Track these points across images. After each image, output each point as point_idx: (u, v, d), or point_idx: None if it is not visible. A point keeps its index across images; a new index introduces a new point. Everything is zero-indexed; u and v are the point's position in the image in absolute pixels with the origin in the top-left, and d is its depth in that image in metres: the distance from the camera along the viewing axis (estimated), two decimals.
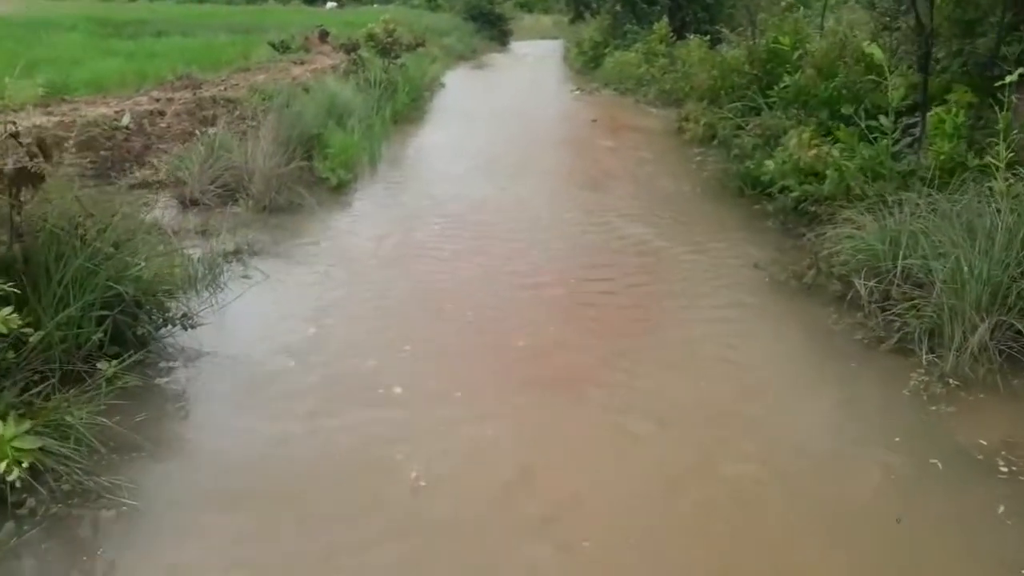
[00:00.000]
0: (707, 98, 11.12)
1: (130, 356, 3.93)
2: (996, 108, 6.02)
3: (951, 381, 4.02)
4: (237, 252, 6.01)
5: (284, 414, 3.89)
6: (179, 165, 7.67)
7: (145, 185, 7.63)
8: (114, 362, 3.82)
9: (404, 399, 4.06)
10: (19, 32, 19.73)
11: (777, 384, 4.27)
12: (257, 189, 7.24)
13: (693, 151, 9.96)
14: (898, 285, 4.69)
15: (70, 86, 10.83)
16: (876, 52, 6.11)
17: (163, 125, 9.31)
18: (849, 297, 5.02)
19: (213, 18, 30.65)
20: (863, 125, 6.17)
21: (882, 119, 6.01)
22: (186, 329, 4.43)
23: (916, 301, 4.49)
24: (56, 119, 8.26)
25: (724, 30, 14.70)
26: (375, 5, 42.55)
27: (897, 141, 6.03)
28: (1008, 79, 4.85)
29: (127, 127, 8.72)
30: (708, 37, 13.95)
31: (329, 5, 41.40)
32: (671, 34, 16.39)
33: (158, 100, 10.24)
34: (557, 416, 3.94)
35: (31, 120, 8.15)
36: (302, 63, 16.19)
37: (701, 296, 5.54)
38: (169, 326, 4.43)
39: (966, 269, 4.22)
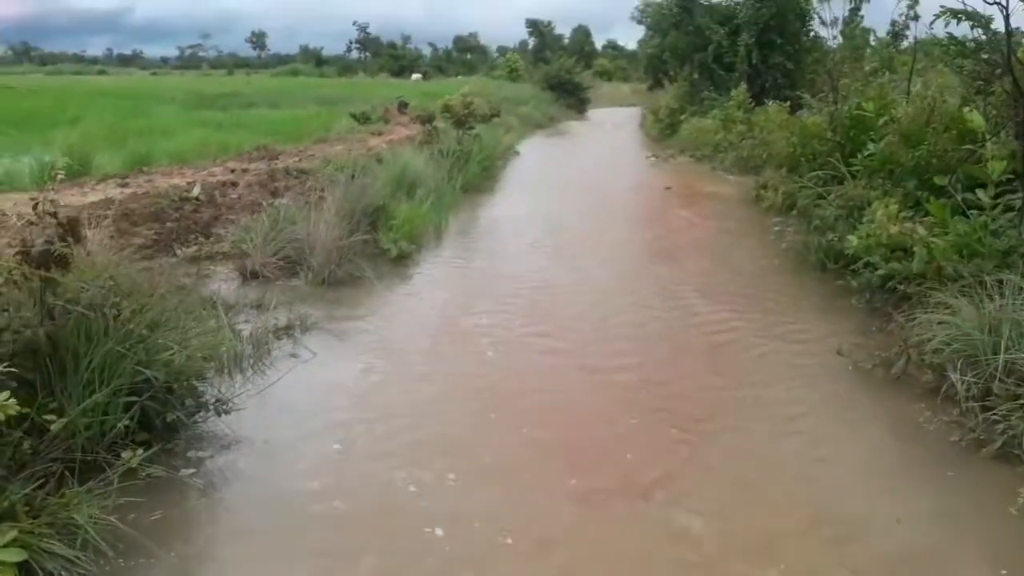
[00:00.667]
0: (786, 166, 10.69)
1: (154, 446, 3.74)
2: None
3: None
4: (288, 328, 5.85)
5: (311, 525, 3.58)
6: (243, 237, 7.68)
7: (209, 257, 7.65)
8: (139, 451, 3.63)
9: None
10: (122, 104, 20.88)
11: (862, 497, 3.74)
12: (317, 261, 7.14)
13: (771, 221, 9.51)
14: (1001, 380, 4.15)
15: (154, 156, 11.21)
16: (976, 118, 5.64)
17: (234, 196, 9.42)
18: (943, 391, 4.49)
19: (303, 91, 31.96)
20: (959, 198, 5.66)
21: (979, 192, 5.50)
22: (220, 415, 4.23)
23: (1023, 400, 3.94)
24: (129, 191, 8.44)
25: (805, 96, 14.29)
26: (459, 76, 43.73)
27: (996, 217, 5.49)
28: None
29: (197, 198, 8.85)
30: (788, 103, 13.56)
31: (414, 76, 42.71)
32: (750, 100, 16.04)
33: (233, 171, 10.44)
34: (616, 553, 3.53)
35: (106, 193, 8.37)
36: (380, 134, 16.49)
37: (780, 386, 5.03)
38: (203, 412, 4.23)
39: None
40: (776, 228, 9.15)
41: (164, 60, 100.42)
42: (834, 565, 3.21)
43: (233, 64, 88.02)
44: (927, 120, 8.34)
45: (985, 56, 8.58)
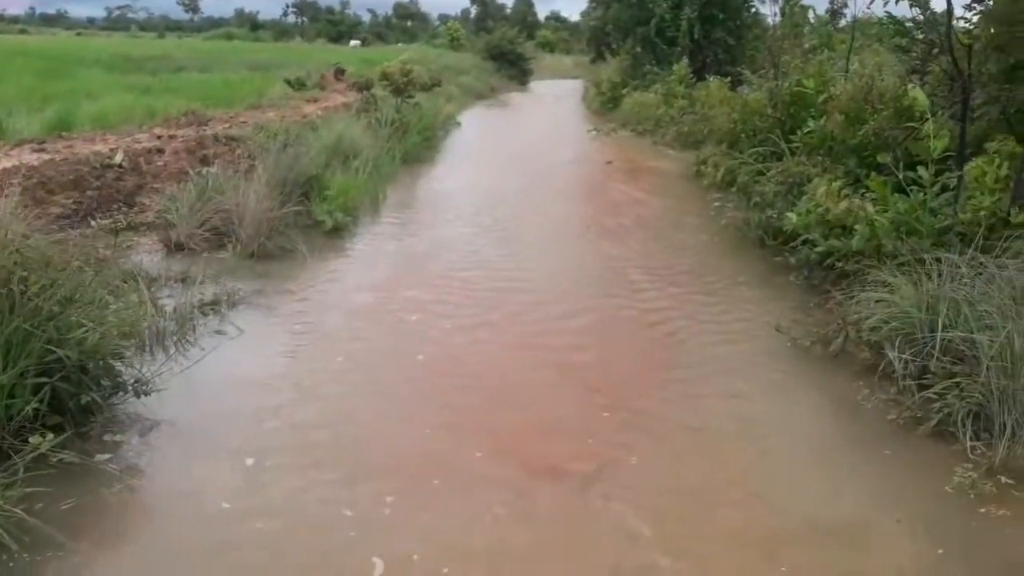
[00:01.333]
0: (726, 141, 10.69)
1: (67, 431, 3.50)
2: None
3: (1002, 477, 3.46)
4: (215, 303, 5.59)
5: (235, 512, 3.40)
6: (169, 206, 7.32)
7: (132, 228, 7.30)
8: (49, 436, 3.38)
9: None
10: (43, 65, 19.81)
11: (798, 474, 3.73)
12: (246, 233, 6.85)
13: (711, 197, 9.51)
14: (937, 358, 4.16)
15: (75, 121, 10.63)
16: (920, 96, 5.64)
17: (160, 164, 9.00)
18: (881, 369, 4.51)
19: (236, 55, 30.84)
20: (900, 176, 5.67)
21: (921, 170, 5.52)
22: (139, 396, 3.98)
23: (958, 379, 3.96)
24: (46, 157, 7.97)
25: (745, 72, 14.35)
26: (399, 44, 42.94)
27: (937, 195, 5.52)
28: None
29: (120, 165, 8.42)
30: (729, 79, 13.58)
31: (353, 43, 41.70)
32: (691, 75, 16.04)
33: (159, 137, 9.97)
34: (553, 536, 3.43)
35: (20, 159, 7.88)
36: (315, 101, 16.02)
37: (720, 364, 4.98)
38: (120, 393, 3.97)
39: (1018, 345, 3.70)
40: (716, 204, 9.14)
41: (91, 20, 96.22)
42: (772, 544, 3.17)
43: (164, 26, 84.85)
44: (865, 98, 8.42)
45: (923, 36, 8.71)
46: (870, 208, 5.37)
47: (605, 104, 20.66)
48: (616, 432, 4.10)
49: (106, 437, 3.79)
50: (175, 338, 4.96)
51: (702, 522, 3.34)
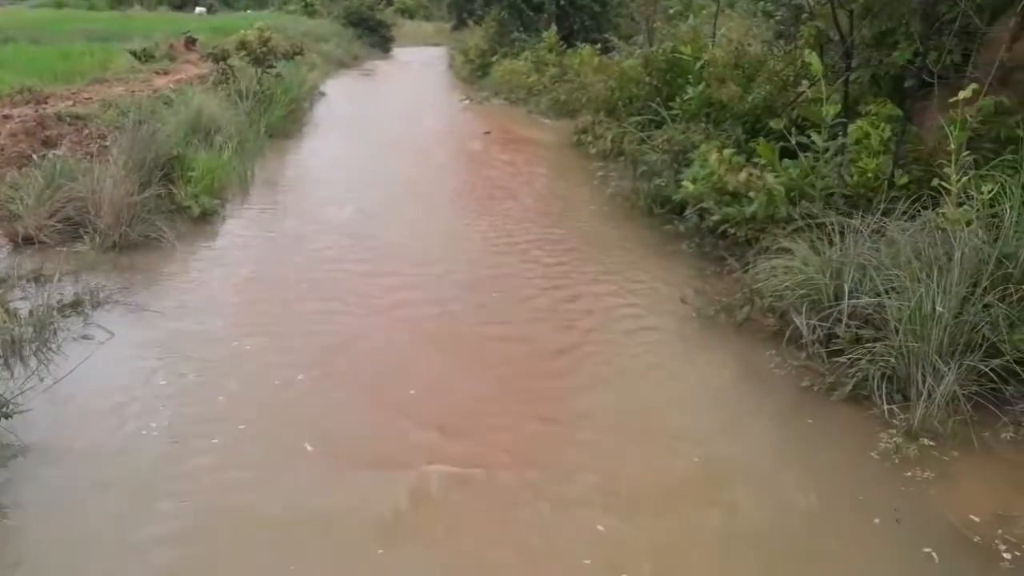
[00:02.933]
0: (603, 109, 10.64)
1: None
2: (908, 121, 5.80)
3: (924, 440, 3.52)
4: (76, 304, 4.99)
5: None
6: (11, 195, 6.52)
7: None
8: None
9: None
10: None
11: (722, 448, 3.67)
12: (105, 223, 6.17)
13: (593, 166, 9.41)
14: (845, 323, 4.21)
15: None
16: (815, 62, 5.68)
17: None
18: (788, 336, 4.54)
19: (70, 24, 28.22)
20: (793, 141, 5.72)
21: (815, 135, 5.59)
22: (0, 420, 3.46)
23: (866, 343, 4.02)
24: None
25: (613, 38, 14.39)
26: (248, 12, 40.82)
27: (828, 160, 5.60)
28: (963, 94, 4.43)
29: None
30: (598, 46, 13.56)
31: (198, 10, 39.14)
32: (560, 42, 15.95)
33: None
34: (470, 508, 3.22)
35: None
36: (166, 73, 14.89)
37: (626, 339, 4.89)
38: None
39: (928, 308, 3.76)
40: (600, 173, 9.04)
41: None
42: (702, 527, 3.10)
43: None
44: (736, 63, 8.55)
45: (791, 1, 8.93)
46: (770, 177, 5.38)
47: (474, 72, 20.29)
48: (526, 409, 3.93)
49: None
50: (34, 347, 4.38)
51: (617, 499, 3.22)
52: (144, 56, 16.26)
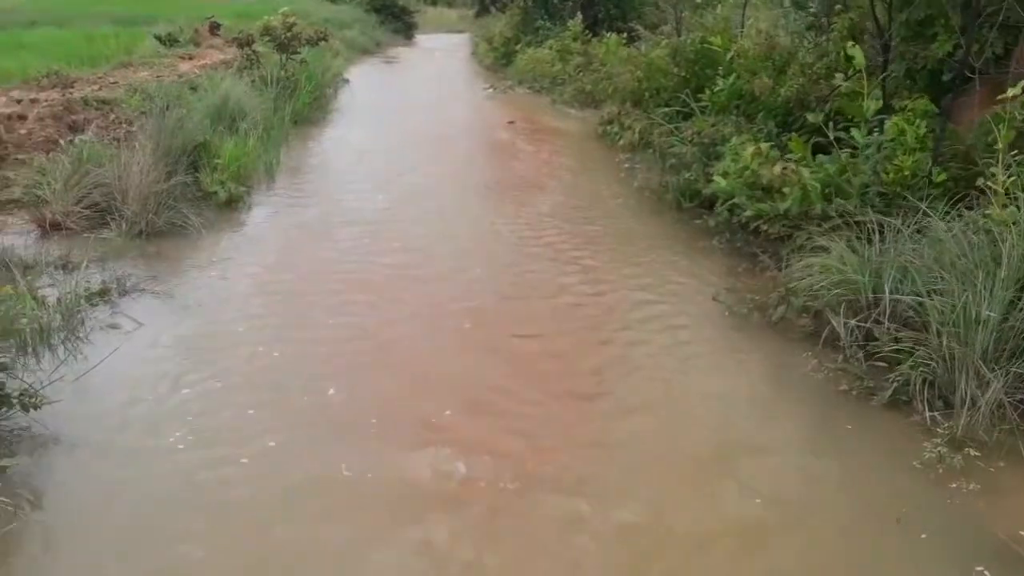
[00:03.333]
0: (629, 100, 10.51)
1: None
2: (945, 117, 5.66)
3: (969, 450, 3.41)
4: (104, 292, 4.97)
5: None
6: (39, 181, 6.52)
7: None
8: None
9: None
10: None
11: (762, 458, 3.59)
12: (132, 209, 6.16)
13: (620, 157, 9.30)
14: (885, 325, 4.10)
15: None
16: (858, 55, 5.54)
17: (23, 132, 8.04)
18: (824, 336, 4.43)
19: (96, 6, 28.28)
20: (831, 136, 5.59)
21: (855, 131, 5.46)
22: (27, 411, 3.44)
23: (907, 345, 3.91)
24: None
25: (639, 28, 14.20)
26: None
27: (869, 156, 5.46)
28: (1011, 91, 4.30)
29: None
30: (624, 35, 13.40)
31: None
32: (586, 31, 15.78)
33: (19, 101, 8.90)
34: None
35: None
36: (191, 58, 14.85)
37: (658, 338, 4.79)
38: (4, 408, 3.41)
39: (973, 311, 3.65)
40: (626, 165, 8.96)
41: None
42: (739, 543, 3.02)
43: None
44: (767, 56, 8.39)
45: None
46: (806, 173, 5.26)
47: (498, 60, 20.15)
48: (566, 412, 3.87)
49: None
50: (62, 335, 4.36)
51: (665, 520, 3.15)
52: (169, 41, 16.27)
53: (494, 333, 4.90)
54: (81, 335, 4.43)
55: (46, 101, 8.98)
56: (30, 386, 3.52)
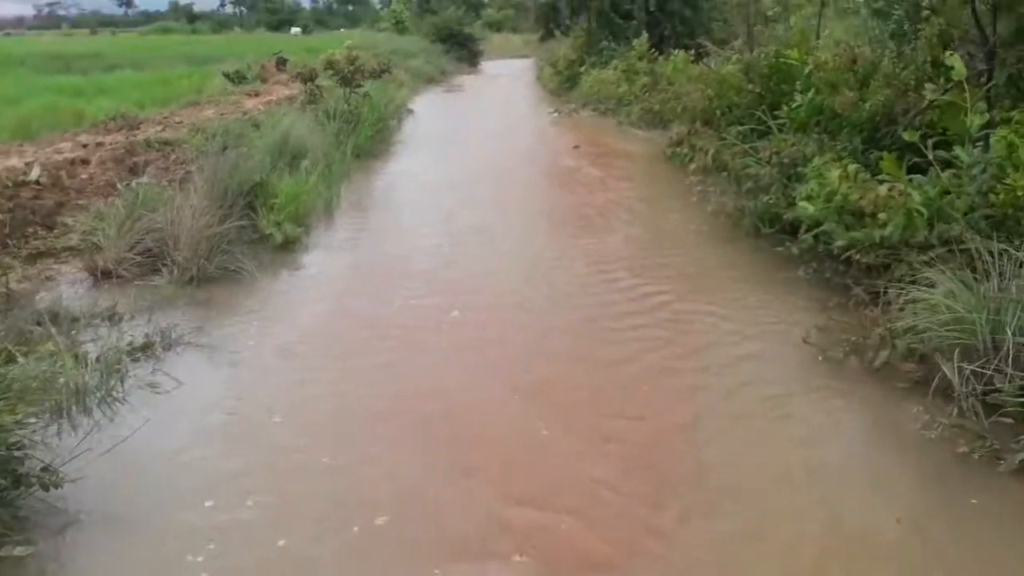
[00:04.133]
0: (699, 120, 10.00)
1: None
2: None
3: None
4: (147, 346, 4.74)
5: None
6: (95, 227, 6.42)
7: (52, 254, 6.39)
8: None
9: None
10: None
11: (875, 535, 3.06)
12: (183, 255, 5.97)
13: (690, 180, 8.78)
14: (1008, 373, 3.53)
15: None
16: (958, 64, 4.97)
17: (85, 176, 8.04)
18: (934, 385, 3.86)
19: (172, 49, 29.33)
20: (931, 155, 5.01)
21: (959, 149, 4.88)
22: (47, 490, 3.17)
23: None
24: None
25: (706, 44, 13.69)
26: (341, 29, 41.67)
27: (975, 176, 4.86)
28: None
29: (38, 181, 7.46)
30: (691, 52, 12.91)
31: (293, 31, 40.24)
32: (652, 50, 15.34)
33: (85, 146, 8.97)
34: None
35: None
36: (256, 95, 15.00)
37: (747, 389, 4.26)
38: (21, 489, 3.15)
39: None
40: (698, 188, 8.43)
41: (19, 20, 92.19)
42: None
43: (97, 22, 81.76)
44: (850, 68, 7.78)
45: None
46: (916, 196, 4.68)
47: (562, 83, 19.87)
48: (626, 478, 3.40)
49: (4, 542, 2.98)
50: (98, 395, 4.12)
51: None
52: (237, 78, 16.52)
53: (563, 388, 4.44)
54: (118, 394, 4.17)
55: (110, 144, 9.02)
56: (49, 464, 3.24)
